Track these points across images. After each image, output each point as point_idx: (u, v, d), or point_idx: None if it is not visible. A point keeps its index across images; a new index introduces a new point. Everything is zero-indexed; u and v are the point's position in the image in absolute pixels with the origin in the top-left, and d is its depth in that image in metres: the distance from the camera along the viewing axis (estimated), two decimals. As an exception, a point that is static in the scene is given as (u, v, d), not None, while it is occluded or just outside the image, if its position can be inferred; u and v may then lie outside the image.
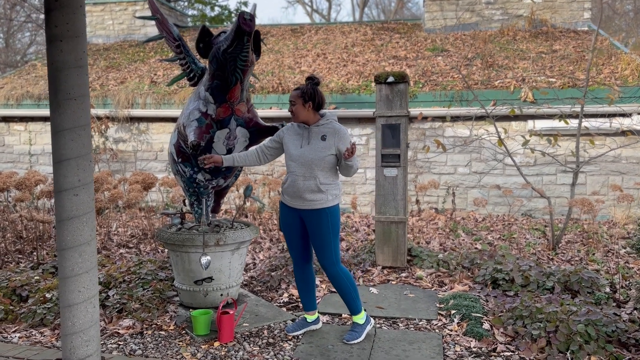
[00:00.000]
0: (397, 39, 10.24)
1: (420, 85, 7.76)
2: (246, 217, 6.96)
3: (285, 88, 8.04)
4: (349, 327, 3.29)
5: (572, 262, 4.70)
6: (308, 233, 3.10)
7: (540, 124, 7.15)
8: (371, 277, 4.37)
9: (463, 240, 5.63)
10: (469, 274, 4.26)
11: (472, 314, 3.37)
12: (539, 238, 5.76)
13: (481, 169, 7.39)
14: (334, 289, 4.04)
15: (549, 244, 5.20)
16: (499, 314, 3.31)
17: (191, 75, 3.66)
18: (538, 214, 7.31)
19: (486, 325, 3.23)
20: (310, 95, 2.99)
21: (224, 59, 3.13)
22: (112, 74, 9.54)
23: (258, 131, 3.53)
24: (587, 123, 6.76)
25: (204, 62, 3.78)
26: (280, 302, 3.82)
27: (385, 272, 4.52)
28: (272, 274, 4.29)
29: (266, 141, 3.26)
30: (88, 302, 2.58)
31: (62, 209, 2.51)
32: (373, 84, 7.92)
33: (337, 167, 3.04)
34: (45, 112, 8.49)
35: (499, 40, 9.53)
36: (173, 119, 8.14)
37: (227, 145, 3.46)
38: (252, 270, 4.57)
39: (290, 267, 4.34)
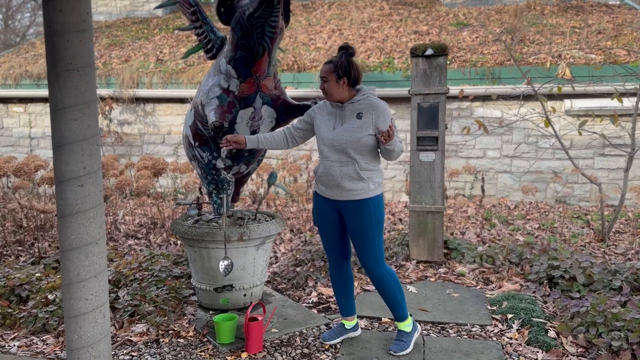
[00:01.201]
0: (417, 14, 9.72)
1: (447, 62, 7.29)
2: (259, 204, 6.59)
3: (301, 66, 7.59)
4: (391, 334, 2.92)
5: (629, 256, 4.30)
6: (346, 227, 2.72)
7: (579, 104, 6.69)
8: (406, 274, 3.99)
9: (500, 230, 5.24)
10: (518, 270, 3.87)
11: (533, 318, 2.99)
12: (583, 228, 5.35)
13: (512, 153, 6.96)
14: (368, 287, 3.67)
15: (596, 235, 4.80)
16: (565, 320, 2.93)
17: (209, 46, 3.24)
18: (573, 201, 6.89)
19: (551, 333, 2.85)
20: (344, 69, 2.58)
21: (250, 24, 2.71)
22: (116, 52, 9.11)
23: (286, 110, 3.12)
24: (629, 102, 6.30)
25: (223, 31, 3.36)
26: (309, 303, 3.45)
27: (420, 267, 4.14)
28: (298, 269, 3.92)
29: (295, 122, 2.86)
30: (97, 312, 2.22)
31: (64, 202, 2.13)
32: (396, 61, 7.46)
33: (378, 150, 2.64)
34: (46, 92, 8.08)
35: (526, 15, 9.00)
36: (181, 100, 7.72)
37: (251, 127, 3.06)
38: (274, 265, 4.20)
39: (317, 262, 3.97)
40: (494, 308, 3.28)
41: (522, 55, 7.22)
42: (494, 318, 3.14)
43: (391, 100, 7.14)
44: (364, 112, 2.58)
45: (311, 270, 3.88)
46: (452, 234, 5.03)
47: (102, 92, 7.79)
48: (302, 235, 4.87)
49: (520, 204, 6.80)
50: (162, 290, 3.37)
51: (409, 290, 3.65)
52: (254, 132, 3.09)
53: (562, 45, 7.48)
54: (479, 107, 6.96)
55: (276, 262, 4.29)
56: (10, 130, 8.44)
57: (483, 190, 6.09)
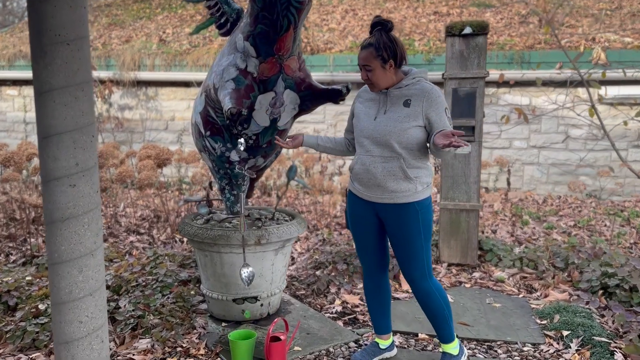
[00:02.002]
0: (435, -6, 9.25)
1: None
2: (269, 195, 6.23)
3: (314, 48, 7.17)
4: (431, 354, 2.58)
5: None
6: (387, 234, 2.35)
7: (613, 91, 6.27)
8: (438, 278, 3.63)
9: (534, 228, 4.87)
10: (564, 276, 3.51)
11: (594, 337, 2.63)
12: (622, 226, 4.98)
13: (540, 143, 6.57)
14: (397, 295, 3.31)
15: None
16: (634, 340, 2.57)
17: (222, 20, 2.85)
18: (604, 195, 6.51)
19: (618, 356, 2.49)
20: (389, 50, 2.18)
21: (274, -7, 2.32)
22: (116, 32, 8.69)
23: (312, 96, 2.74)
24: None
25: (240, 3, 2.96)
26: (332, 313, 3.10)
27: (453, 271, 3.79)
28: (318, 273, 3.56)
29: (348, 126, 2.51)
30: (93, 336, 1.87)
31: (52, 205, 1.77)
32: (416, 43, 7.03)
33: (427, 145, 2.26)
34: (41, 74, 7.70)
35: (554, -5, 8.53)
36: (185, 83, 7.33)
37: (271, 114, 2.68)
38: (291, 268, 3.85)
39: (339, 265, 3.61)
40: (545, 322, 2.92)
41: (551, 37, 6.79)
42: (546, 335, 2.78)
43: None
44: (413, 99, 2.20)
45: (333, 274, 3.53)
46: (482, 232, 4.67)
47: (101, 74, 7.40)
48: (319, 232, 4.52)
49: (548, 198, 6.42)
50: (169, 298, 3.02)
51: (444, 299, 3.29)
52: (273, 122, 2.72)
53: (595, 29, 7.04)
54: (506, 94, 6.54)
55: (293, 264, 3.94)
56: (4, 114, 8.07)
57: (509, 183, 5.71)
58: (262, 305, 2.92)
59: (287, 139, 2.51)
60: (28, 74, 7.78)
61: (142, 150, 4.88)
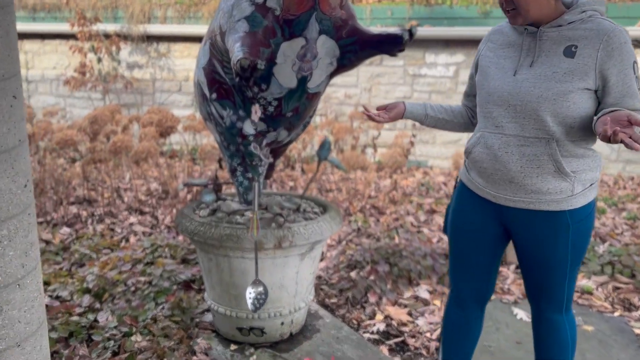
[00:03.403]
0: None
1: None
2: (292, 168, 5.55)
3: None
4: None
5: None
6: (516, 250, 1.67)
7: None
8: (504, 286, 2.93)
9: (613, 218, 4.09)
10: (674, 291, 2.77)
11: None
12: None
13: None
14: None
15: None
16: None
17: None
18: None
19: None
20: None
21: None
22: (125, -19, 7.95)
23: (357, 45, 1.99)
24: None
25: None
26: (373, 332, 2.45)
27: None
28: (353, 275, 2.90)
29: (468, 88, 1.79)
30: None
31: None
32: (468, -7, 6.12)
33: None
34: (42, 26, 7.07)
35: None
36: (200, 39, 6.58)
37: (299, 72, 1.96)
38: (319, 265, 3.19)
39: (381, 265, 2.93)
40: (662, 361, 2.21)
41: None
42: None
43: (459, 43, 5.86)
44: (581, 45, 1.45)
45: (372, 278, 2.85)
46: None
47: (107, 27, 6.72)
48: (352, 219, 3.83)
49: (619, 178, 5.59)
50: (164, 308, 2.40)
51: (515, 316, 2.60)
52: (302, 81, 1.99)
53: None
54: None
55: (321, 260, 3.28)
56: (5, 71, 7.51)
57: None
58: (282, 323, 2.28)
59: (379, 110, 1.78)
60: (28, 27, 7.15)
61: (146, 116, 4.23)
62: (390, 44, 1.88)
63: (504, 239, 1.68)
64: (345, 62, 2.03)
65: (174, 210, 4.11)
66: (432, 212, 4.14)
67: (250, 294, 1.90)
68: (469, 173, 1.69)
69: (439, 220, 3.89)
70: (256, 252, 1.93)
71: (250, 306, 1.89)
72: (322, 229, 2.19)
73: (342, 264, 3.05)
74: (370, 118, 1.74)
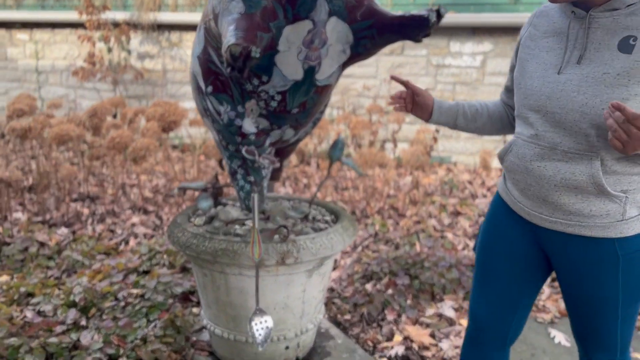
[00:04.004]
0: None
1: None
2: (308, 164, 5.29)
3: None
4: None
5: None
6: (558, 280, 1.38)
7: None
8: (538, 302, 2.63)
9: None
10: None
11: None
12: None
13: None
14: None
15: None
16: None
17: None
18: None
19: None
20: None
21: None
22: (138, -33, 7.73)
23: (375, 30, 1.70)
24: None
25: None
26: (391, 357, 2.17)
27: (557, 287, 2.76)
28: (369, 288, 2.63)
29: (508, 81, 1.49)
30: None
31: None
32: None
33: None
34: (53, 15, 6.90)
35: None
36: (213, 28, 6.34)
37: (305, 61, 1.69)
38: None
39: (400, 277, 2.65)
40: None
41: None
42: None
43: (486, 31, 5.50)
44: None
45: (390, 292, 2.57)
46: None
47: (117, 15, 6.52)
48: (369, 221, 3.55)
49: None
50: (156, 326, 2.16)
51: (556, 341, 2.30)
52: (309, 72, 1.72)
53: None
54: None
55: (334, 269, 3.01)
56: (15, 62, 7.37)
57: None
58: (287, 347, 2.02)
59: (399, 97, 1.53)
60: (38, 15, 7.00)
61: (151, 109, 3.99)
62: (414, 27, 1.58)
63: (544, 267, 1.39)
64: (361, 49, 1.74)
65: (180, 210, 3.89)
66: (457, 214, 3.84)
67: (256, 328, 1.63)
68: (505, 183, 1.41)
69: (464, 223, 3.58)
70: (257, 278, 1.66)
71: (258, 340, 1.62)
72: (333, 242, 1.92)
73: (356, 274, 2.78)
74: (397, 106, 1.53)
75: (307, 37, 1.63)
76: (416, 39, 1.61)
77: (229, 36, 1.46)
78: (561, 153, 1.20)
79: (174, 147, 6.37)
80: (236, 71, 1.43)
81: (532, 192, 1.27)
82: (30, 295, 2.38)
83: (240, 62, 1.38)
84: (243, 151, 1.87)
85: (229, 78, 1.82)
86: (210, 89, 1.89)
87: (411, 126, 5.60)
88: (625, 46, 1.13)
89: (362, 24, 1.67)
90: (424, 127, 4.88)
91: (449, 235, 3.35)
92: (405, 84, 1.52)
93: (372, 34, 1.68)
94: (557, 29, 1.25)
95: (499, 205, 1.43)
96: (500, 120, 1.51)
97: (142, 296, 2.33)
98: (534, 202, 1.28)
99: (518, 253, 1.38)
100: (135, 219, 3.72)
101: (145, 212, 3.93)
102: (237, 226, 2.00)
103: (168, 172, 4.86)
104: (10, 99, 6.80)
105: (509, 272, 1.40)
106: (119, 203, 4.05)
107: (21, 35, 7.26)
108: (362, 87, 5.89)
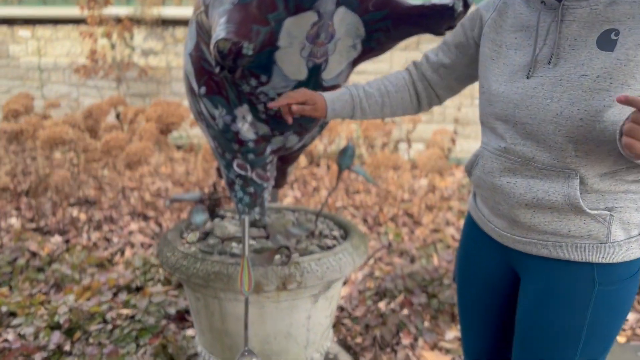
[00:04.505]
0: None
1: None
2: (317, 165, 5.08)
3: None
4: None
5: None
6: (518, 303, 1.20)
7: None
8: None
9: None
10: None
11: None
12: None
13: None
14: None
15: None
16: None
17: None
18: None
19: None
20: None
21: None
22: (143, -39, 7.57)
23: (390, 21, 1.48)
24: None
25: None
26: (406, 388, 1.96)
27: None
28: (381, 306, 2.41)
29: (431, 52, 1.29)
30: None
31: None
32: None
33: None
34: (55, 11, 6.76)
35: None
36: (219, 23, 6.15)
37: (310, 58, 1.48)
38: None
39: (417, 296, 2.44)
40: None
41: None
42: None
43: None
44: (625, 29, 0.92)
45: (405, 312, 2.36)
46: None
47: (120, 11, 6.35)
48: (382, 229, 3.33)
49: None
50: (147, 352, 1.97)
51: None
52: (314, 70, 1.51)
53: None
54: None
55: (343, 284, 2.80)
56: (17, 60, 7.24)
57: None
58: (290, 380, 1.82)
59: (294, 100, 1.32)
60: (40, 11, 6.86)
61: (151, 109, 3.81)
62: (437, 18, 1.36)
63: (516, 287, 1.21)
64: (373, 44, 1.52)
65: (181, 216, 3.70)
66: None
67: (241, 361, 1.43)
68: (474, 199, 1.24)
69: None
70: (246, 314, 1.45)
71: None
72: (341, 263, 1.71)
73: (369, 291, 2.57)
74: (274, 105, 1.34)
75: (312, 31, 1.42)
76: (438, 31, 1.39)
77: (219, 30, 1.25)
78: (535, 169, 1.02)
79: (179, 147, 6.19)
80: (226, 70, 1.23)
81: (502, 211, 1.09)
82: (13, 314, 2.21)
83: (229, 60, 1.17)
84: (234, 165, 1.66)
85: (223, 79, 1.62)
86: (203, 90, 1.69)
87: (427, 125, 5.36)
88: (605, 42, 0.93)
89: (375, 14, 1.45)
90: (440, 127, 4.66)
91: (469, 245, 3.12)
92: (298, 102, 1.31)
93: (387, 26, 1.46)
94: (525, 22, 1.05)
95: (471, 227, 1.27)
96: (405, 91, 1.31)
97: (132, 317, 2.14)
98: (504, 221, 1.10)
99: (493, 281, 1.22)
100: (134, 225, 3.54)
101: (145, 218, 3.75)
102: (234, 244, 1.79)
103: (172, 174, 4.68)
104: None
105: (491, 303, 1.24)
106: (118, 208, 3.87)
107: (23, 32, 7.13)
108: (375, 84, 5.66)
